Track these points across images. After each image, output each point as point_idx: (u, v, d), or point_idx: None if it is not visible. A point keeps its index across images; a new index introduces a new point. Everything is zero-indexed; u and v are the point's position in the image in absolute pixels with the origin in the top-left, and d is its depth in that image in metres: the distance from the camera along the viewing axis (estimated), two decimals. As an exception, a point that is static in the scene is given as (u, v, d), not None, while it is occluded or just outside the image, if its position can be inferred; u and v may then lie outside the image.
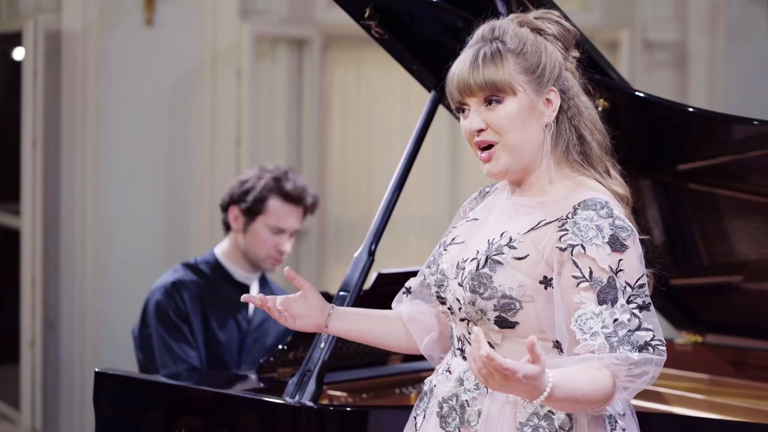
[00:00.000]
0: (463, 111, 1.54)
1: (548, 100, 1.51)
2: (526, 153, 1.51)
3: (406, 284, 1.70)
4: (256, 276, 2.59)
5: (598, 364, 1.40)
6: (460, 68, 1.52)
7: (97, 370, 2.16)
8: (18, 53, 3.75)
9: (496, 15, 2.10)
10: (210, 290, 2.52)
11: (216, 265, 2.55)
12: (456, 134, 4.09)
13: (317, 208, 2.61)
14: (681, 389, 2.30)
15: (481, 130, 1.51)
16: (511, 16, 1.57)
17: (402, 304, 1.69)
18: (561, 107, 1.52)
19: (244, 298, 1.64)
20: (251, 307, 2.56)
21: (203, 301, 2.50)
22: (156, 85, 3.81)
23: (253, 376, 2.24)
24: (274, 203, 2.52)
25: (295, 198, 2.53)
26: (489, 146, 1.52)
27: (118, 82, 3.77)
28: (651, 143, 2.20)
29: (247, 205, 2.53)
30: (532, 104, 1.50)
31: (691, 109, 2.13)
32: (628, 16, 3.93)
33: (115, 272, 3.77)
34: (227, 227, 2.58)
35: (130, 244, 3.78)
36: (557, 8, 1.80)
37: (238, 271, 2.56)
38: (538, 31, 1.54)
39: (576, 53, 1.57)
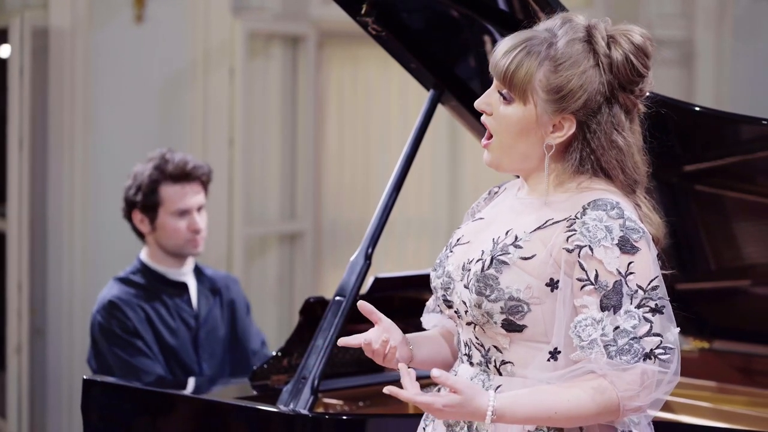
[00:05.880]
0: None
1: (560, 123, 1.46)
2: (518, 158, 1.48)
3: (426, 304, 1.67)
4: (189, 270, 2.57)
5: (597, 383, 1.39)
6: (501, 46, 1.48)
7: (85, 377, 2.16)
8: (4, 51, 3.71)
9: (498, 11, 2.08)
10: (149, 298, 2.51)
11: (146, 271, 2.54)
12: (455, 134, 4.07)
13: (211, 176, 2.59)
14: (687, 397, 2.28)
15: (484, 111, 1.49)
16: (592, 21, 1.49)
17: (431, 319, 1.65)
18: (583, 137, 1.45)
19: (341, 342, 1.52)
20: (194, 301, 2.55)
21: (146, 311, 2.49)
22: (146, 83, 3.77)
23: (245, 384, 2.21)
24: (166, 189, 2.51)
25: (182, 175, 2.52)
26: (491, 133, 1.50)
27: (108, 80, 3.75)
28: (656, 144, 2.16)
29: (142, 203, 2.52)
30: (538, 120, 1.45)
31: (697, 109, 2.11)
32: (632, 12, 3.91)
33: (104, 277, 3.70)
34: (140, 235, 2.57)
35: (120, 247, 3.73)
36: (561, 7, 1.75)
37: (169, 271, 2.54)
38: (595, 53, 1.45)
39: (646, 85, 1.47)
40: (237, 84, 3.80)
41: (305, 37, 3.96)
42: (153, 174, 2.51)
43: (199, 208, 2.54)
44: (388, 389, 1.40)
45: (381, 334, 1.51)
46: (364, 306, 1.53)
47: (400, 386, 2.26)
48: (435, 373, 1.38)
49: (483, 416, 1.38)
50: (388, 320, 1.53)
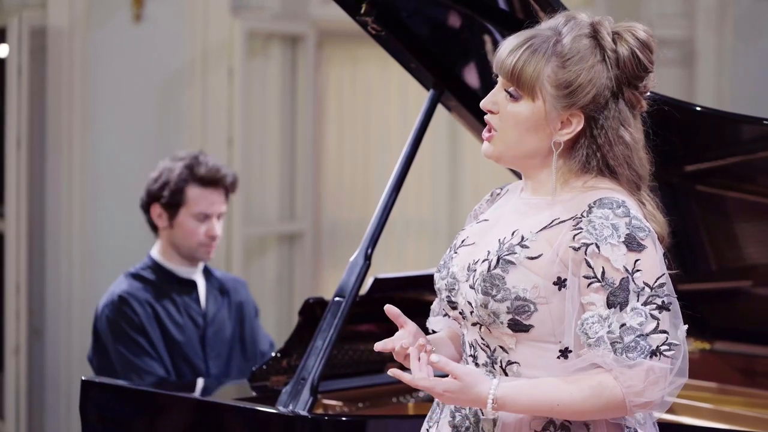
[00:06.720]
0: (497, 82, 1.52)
1: (568, 120, 1.46)
2: (523, 154, 1.49)
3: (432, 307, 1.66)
4: (198, 270, 2.57)
5: (601, 378, 1.39)
6: (505, 45, 1.49)
7: (83, 378, 2.15)
8: (2, 50, 3.71)
9: (498, 11, 2.07)
10: (158, 295, 2.50)
11: (157, 268, 2.53)
12: (455, 134, 4.07)
13: (237, 186, 2.59)
14: (688, 398, 2.27)
15: (490, 111, 1.49)
16: (596, 18, 1.50)
17: (438, 321, 1.63)
18: (590, 134, 1.46)
19: (377, 347, 1.50)
20: (202, 300, 2.55)
21: (155, 307, 2.48)
22: (145, 83, 3.77)
23: (245, 385, 2.21)
24: (193, 191, 2.50)
25: (212, 181, 2.52)
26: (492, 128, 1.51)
27: (106, 80, 3.74)
28: (657, 144, 2.16)
29: (166, 199, 2.51)
30: (547, 117, 1.45)
31: (698, 108, 2.11)
32: (633, 11, 3.91)
33: (102, 277, 3.71)
34: (154, 228, 2.56)
35: (118, 248, 3.72)
36: (562, 6, 1.74)
37: (179, 268, 2.54)
38: (602, 48, 1.46)
39: (649, 82, 1.48)
40: (236, 84, 3.79)
41: (304, 37, 3.96)
42: (183, 173, 2.50)
43: (219, 216, 2.54)
44: (392, 371, 1.41)
45: (409, 338, 1.50)
46: (390, 310, 1.52)
47: (400, 391, 2.28)
48: (434, 358, 1.40)
49: (484, 404, 1.39)
50: (413, 324, 1.53)
